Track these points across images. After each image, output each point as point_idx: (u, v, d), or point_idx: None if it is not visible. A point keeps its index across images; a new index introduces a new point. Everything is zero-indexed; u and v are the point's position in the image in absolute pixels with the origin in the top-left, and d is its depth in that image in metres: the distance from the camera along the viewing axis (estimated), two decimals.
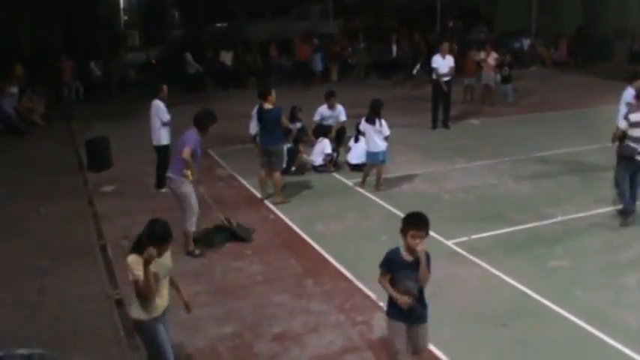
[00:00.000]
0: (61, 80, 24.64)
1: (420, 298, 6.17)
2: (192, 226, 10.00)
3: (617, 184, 10.96)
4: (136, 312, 6.01)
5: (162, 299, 6.09)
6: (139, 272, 5.74)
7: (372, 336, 7.68)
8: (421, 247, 5.92)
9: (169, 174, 9.98)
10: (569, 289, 8.68)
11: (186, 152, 9.65)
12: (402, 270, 6.05)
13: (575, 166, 14.24)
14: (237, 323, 8.03)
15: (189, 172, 9.74)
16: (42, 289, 8.98)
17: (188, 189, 9.84)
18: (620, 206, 11.15)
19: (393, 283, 6.14)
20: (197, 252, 10.05)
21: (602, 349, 7.33)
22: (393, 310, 6.26)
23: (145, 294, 5.88)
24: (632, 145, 10.62)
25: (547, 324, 7.86)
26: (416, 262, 5.99)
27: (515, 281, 8.88)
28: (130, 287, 6.06)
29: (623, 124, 10.72)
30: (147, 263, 5.72)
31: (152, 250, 5.71)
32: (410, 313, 6.17)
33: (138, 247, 5.84)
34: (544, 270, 9.34)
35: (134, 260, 5.79)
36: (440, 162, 15.04)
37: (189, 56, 26.58)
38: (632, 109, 10.92)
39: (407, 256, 6.04)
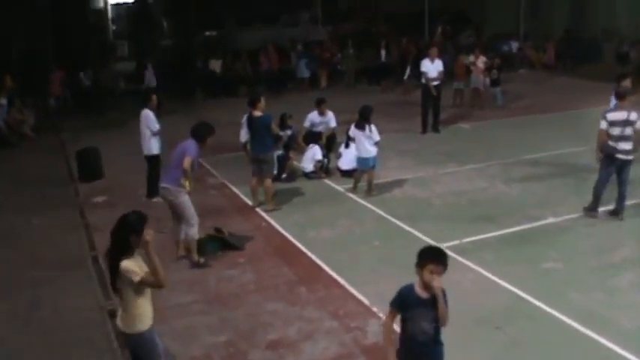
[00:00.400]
0: (49, 91, 24.60)
1: (435, 338, 5.57)
2: (195, 235, 9.98)
3: (598, 180, 11.20)
4: (132, 325, 5.91)
5: (150, 305, 6.05)
6: (141, 270, 5.69)
7: (367, 342, 7.67)
8: (438, 283, 5.34)
9: (165, 184, 9.90)
10: (562, 291, 8.69)
11: (187, 162, 9.60)
12: (417, 308, 5.48)
13: (565, 168, 14.29)
14: (231, 332, 8.01)
15: (187, 183, 9.72)
16: (35, 300, 8.95)
17: (185, 198, 9.81)
18: (610, 207, 11.27)
19: (404, 322, 5.59)
20: (202, 260, 10.03)
21: (597, 350, 7.35)
22: (404, 351, 5.67)
23: (156, 283, 5.79)
24: (612, 143, 10.83)
25: (541, 326, 7.87)
26: (432, 300, 5.41)
27: (508, 284, 8.89)
28: (123, 300, 5.94)
29: (603, 124, 10.88)
30: (148, 245, 5.68)
31: (150, 231, 5.70)
32: (421, 355, 5.64)
33: (123, 252, 5.74)
34: (537, 272, 9.36)
35: (128, 263, 5.70)
36: (430, 166, 15.07)
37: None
38: (612, 108, 11.08)
39: (422, 293, 5.46)
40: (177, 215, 9.98)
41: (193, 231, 9.91)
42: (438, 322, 5.48)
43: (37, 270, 9.97)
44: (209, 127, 10.14)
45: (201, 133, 9.97)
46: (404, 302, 5.56)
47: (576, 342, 7.54)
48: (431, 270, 5.35)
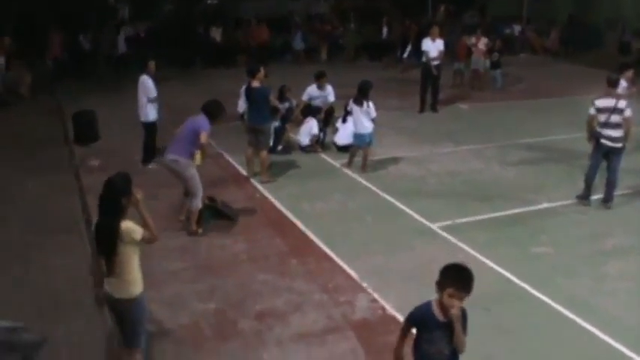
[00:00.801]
0: (48, 53, 24.40)
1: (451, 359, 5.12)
2: (199, 205, 9.99)
3: (589, 166, 11.34)
4: (125, 290, 5.89)
5: (140, 270, 6.06)
6: (141, 230, 5.73)
7: (355, 316, 7.72)
8: (456, 311, 4.85)
9: (174, 156, 9.82)
10: (551, 276, 8.75)
11: (204, 137, 9.64)
12: (435, 331, 4.99)
13: (561, 154, 14.31)
14: (220, 300, 8.05)
15: (198, 157, 9.76)
16: (26, 262, 8.95)
17: (193, 170, 9.82)
18: (600, 195, 11.34)
19: (421, 341, 5.10)
20: (200, 231, 10.05)
21: (582, 336, 7.42)
22: None
23: (152, 237, 5.88)
24: (598, 129, 10.98)
25: (529, 310, 7.93)
26: (451, 323, 4.93)
27: (498, 266, 8.94)
28: (117, 265, 5.84)
29: (591, 110, 11.05)
30: (139, 202, 5.77)
31: (138, 192, 5.77)
32: None
33: (118, 214, 5.74)
34: (527, 256, 9.41)
35: (129, 223, 5.72)
36: (427, 145, 15.07)
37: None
38: (601, 95, 11.12)
39: (440, 315, 4.97)
40: (184, 186, 10.02)
41: (197, 202, 9.95)
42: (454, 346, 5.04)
43: (29, 232, 9.98)
44: (221, 106, 10.13)
45: (213, 112, 9.95)
46: (419, 320, 5.10)
47: (562, 326, 7.60)
48: (450, 294, 4.86)
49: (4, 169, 12.97)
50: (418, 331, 5.13)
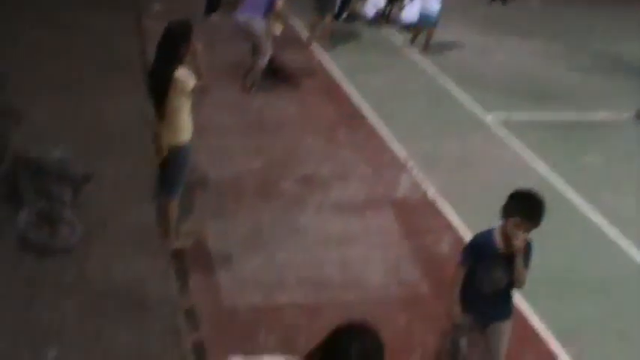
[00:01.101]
0: None
1: (505, 292, 4.64)
2: (264, 64, 9.95)
3: None
4: (174, 136, 5.95)
5: (191, 119, 6.10)
6: (194, 79, 5.70)
7: (396, 195, 7.79)
8: (520, 242, 4.31)
9: (247, 14, 9.71)
10: (596, 187, 8.61)
11: (281, 3, 9.61)
12: (493, 261, 4.49)
13: (631, 66, 13.77)
14: (266, 159, 8.15)
15: (278, 25, 9.76)
16: (80, 98, 8.98)
17: (263, 30, 9.75)
18: None
19: (476, 268, 4.60)
20: (253, 89, 10.06)
21: (613, 250, 7.37)
22: (465, 305, 4.73)
23: (205, 91, 6.04)
24: None
25: (567, 217, 7.79)
26: (512, 255, 4.42)
27: (545, 168, 8.85)
28: (168, 112, 5.87)
29: None
30: (197, 54, 5.78)
31: (197, 44, 5.76)
32: (486, 311, 4.71)
33: (175, 61, 5.70)
34: (576, 163, 9.27)
35: (182, 72, 5.68)
36: (493, 36, 14.65)
37: None
38: None
39: (501, 245, 4.45)
40: (252, 44, 10.01)
41: (263, 62, 9.92)
42: (512, 278, 4.52)
43: (86, 68, 9.92)
44: None
45: None
46: (479, 252, 4.60)
47: (595, 237, 7.57)
48: (516, 223, 4.32)
49: (65, 5, 12.86)
50: (474, 266, 4.64)
